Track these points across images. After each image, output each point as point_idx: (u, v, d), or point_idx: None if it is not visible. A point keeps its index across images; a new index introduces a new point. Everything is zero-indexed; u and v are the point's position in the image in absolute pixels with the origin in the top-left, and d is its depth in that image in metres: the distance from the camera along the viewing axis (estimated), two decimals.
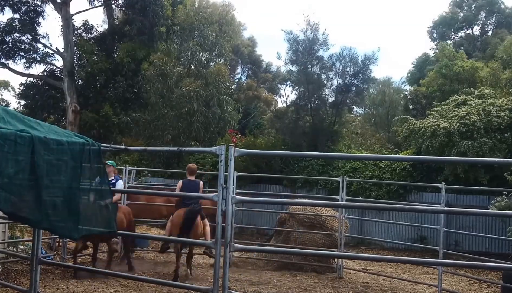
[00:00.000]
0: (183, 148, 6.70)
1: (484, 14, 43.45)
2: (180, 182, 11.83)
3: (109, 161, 12.43)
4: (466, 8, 43.89)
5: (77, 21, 27.56)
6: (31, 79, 27.80)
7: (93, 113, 25.22)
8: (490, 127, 19.20)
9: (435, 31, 44.70)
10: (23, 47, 26.44)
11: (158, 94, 25.38)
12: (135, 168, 19.25)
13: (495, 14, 42.91)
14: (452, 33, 44.48)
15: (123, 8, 27.39)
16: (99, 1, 27.42)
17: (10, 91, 47.32)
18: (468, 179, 18.56)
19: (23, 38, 26.46)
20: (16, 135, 4.56)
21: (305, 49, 25.58)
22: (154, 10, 25.43)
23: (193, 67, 28.02)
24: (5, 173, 4.39)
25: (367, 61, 25.34)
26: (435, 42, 43.72)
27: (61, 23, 26.25)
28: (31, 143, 4.70)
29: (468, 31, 44.47)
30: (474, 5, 43.13)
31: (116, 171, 12.64)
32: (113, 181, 11.78)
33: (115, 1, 27.67)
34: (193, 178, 11.71)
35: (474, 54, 36.68)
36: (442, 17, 44.11)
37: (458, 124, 19.31)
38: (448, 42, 39.75)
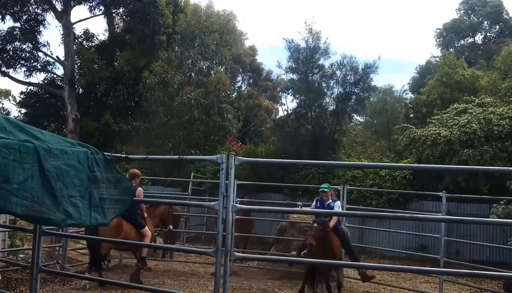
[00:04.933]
0: (184, 156, 6.71)
1: (488, 23, 43.64)
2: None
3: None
4: (472, 16, 44.13)
5: (78, 29, 27.58)
6: (31, 87, 27.85)
7: (93, 122, 25.25)
8: (491, 136, 19.20)
9: (441, 39, 44.93)
10: (23, 55, 26.49)
11: (159, 102, 25.40)
12: None
13: (499, 23, 43.11)
14: (456, 41, 44.67)
15: (124, 17, 27.46)
16: (100, 10, 27.50)
17: (10, 100, 47.35)
18: (469, 187, 18.53)
19: (24, 46, 26.51)
20: (20, 145, 4.59)
21: (306, 58, 25.60)
22: (155, 18, 25.48)
23: (193, 76, 28.05)
24: (14, 179, 4.48)
25: (367, 70, 25.34)
26: (440, 49, 43.97)
27: (62, 32, 26.31)
28: (36, 152, 4.73)
29: (470, 40, 44.67)
30: (480, 14, 43.35)
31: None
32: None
33: (116, 10, 27.74)
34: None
35: (478, 62, 36.76)
36: (447, 26, 44.30)
37: (458, 132, 19.31)
38: (451, 50, 39.87)
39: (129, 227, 11.17)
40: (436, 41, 45.66)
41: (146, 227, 11.47)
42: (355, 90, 25.70)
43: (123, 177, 6.21)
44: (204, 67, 29.12)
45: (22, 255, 12.88)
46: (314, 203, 11.62)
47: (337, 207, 11.29)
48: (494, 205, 14.80)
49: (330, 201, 11.23)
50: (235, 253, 5.61)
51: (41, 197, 4.72)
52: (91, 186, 5.42)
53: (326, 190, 11.20)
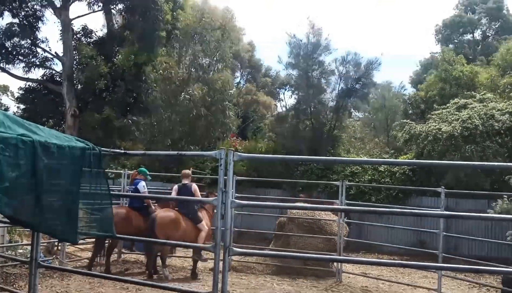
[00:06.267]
0: (183, 152, 6.71)
1: (487, 19, 43.60)
2: (176, 186, 12.25)
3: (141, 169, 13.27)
4: (470, 13, 44.06)
5: (77, 25, 27.47)
6: (30, 83, 27.75)
7: (92, 117, 25.19)
8: (491, 131, 19.20)
9: (441, 34, 44.93)
10: (22, 51, 26.38)
11: (161, 98, 25.41)
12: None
13: (499, 20, 43.08)
14: (456, 37, 44.63)
15: (123, 13, 27.34)
16: (99, 6, 27.38)
17: (9, 95, 47.32)
18: (469, 183, 18.54)
19: (23, 42, 26.40)
20: (18, 140, 4.57)
21: (306, 54, 25.62)
22: (154, 15, 25.40)
23: (193, 72, 28.04)
24: (7, 177, 4.41)
25: (370, 66, 25.42)
26: (439, 45, 43.93)
27: (61, 28, 26.22)
28: (33, 148, 4.71)
29: (469, 36, 44.66)
30: (480, 10, 43.29)
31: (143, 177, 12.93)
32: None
33: (114, 6, 27.63)
34: (187, 182, 12.10)
35: (477, 58, 36.77)
36: (448, 20, 44.28)
37: (461, 128, 19.31)
38: (451, 46, 39.82)
39: (187, 222, 11.74)
40: (435, 38, 45.68)
41: (203, 221, 11.96)
42: (357, 86, 25.77)
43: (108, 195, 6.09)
44: (205, 64, 29.16)
45: (20, 250, 12.88)
46: None
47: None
48: (499, 200, 14.77)
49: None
50: (234, 248, 5.61)
51: (27, 198, 4.68)
52: (76, 191, 5.39)
53: None
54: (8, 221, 6.05)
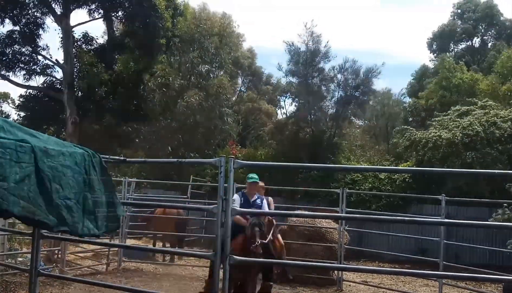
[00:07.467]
0: (183, 160, 6.68)
1: (483, 26, 43.56)
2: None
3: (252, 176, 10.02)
4: (466, 20, 43.97)
5: (77, 33, 27.48)
6: (30, 91, 27.75)
7: (93, 125, 25.20)
8: (492, 139, 19.18)
9: (435, 43, 44.84)
10: (23, 59, 26.35)
11: (160, 106, 25.41)
12: (135, 179, 19.20)
13: (495, 26, 43.05)
14: (452, 45, 44.60)
15: (123, 20, 27.38)
16: (99, 13, 27.43)
17: (9, 103, 47.36)
18: (470, 190, 18.49)
19: (23, 50, 26.40)
20: (16, 145, 4.57)
21: (306, 61, 25.64)
22: (154, 22, 25.43)
23: (193, 79, 28.06)
24: (11, 178, 4.43)
25: (369, 74, 25.41)
26: (435, 54, 43.84)
27: (61, 35, 26.25)
28: (33, 152, 4.71)
29: (467, 43, 44.63)
30: (474, 17, 43.24)
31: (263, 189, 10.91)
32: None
33: (115, 13, 27.68)
34: None
35: (473, 67, 36.77)
36: (441, 29, 44.24)
37: (461, 135, 19.29)
38: (448, 54, 39.80)
39: None
40: (429, 47, 45.61)
41: None
42: (356, 94, 25.77)
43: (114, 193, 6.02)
44: (204, 70, 29.16)
45: (20, 259, 12.86)
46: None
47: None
48: (498, 211, 14.71)
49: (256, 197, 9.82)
50: (234, 256, 5.58)
51: (37, 198, 4.68)
52: (86, 189, 5.38)
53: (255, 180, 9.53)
54: (7, 228, 6.02)
